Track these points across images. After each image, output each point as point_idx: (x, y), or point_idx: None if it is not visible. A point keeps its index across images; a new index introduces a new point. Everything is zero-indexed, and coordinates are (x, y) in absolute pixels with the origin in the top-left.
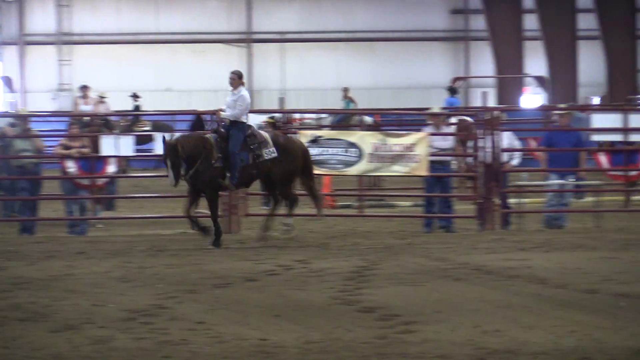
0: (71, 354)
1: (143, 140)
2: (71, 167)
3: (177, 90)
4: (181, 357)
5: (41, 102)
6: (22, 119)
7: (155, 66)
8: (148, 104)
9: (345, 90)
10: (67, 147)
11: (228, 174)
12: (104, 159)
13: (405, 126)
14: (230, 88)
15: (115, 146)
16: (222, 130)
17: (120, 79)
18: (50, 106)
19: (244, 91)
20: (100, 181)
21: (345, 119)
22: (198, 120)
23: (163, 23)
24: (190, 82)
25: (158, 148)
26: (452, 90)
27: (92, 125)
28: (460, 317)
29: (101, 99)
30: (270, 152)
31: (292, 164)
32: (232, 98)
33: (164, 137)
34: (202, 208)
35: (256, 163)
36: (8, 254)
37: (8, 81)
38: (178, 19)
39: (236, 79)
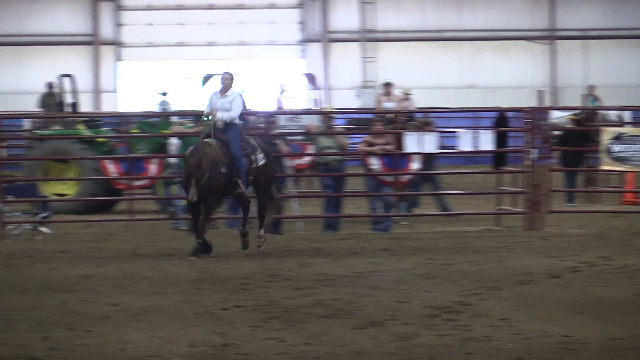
0: (375, 351)
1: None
2: (375, 164)
3: (481, 87)
4: (484, 354)
5: (345, 99)
6: (327, 116)
7: (458, 63)
8: (451, 101)
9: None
10: (371, 144)
11: (238, 180)
12: (407, 156)
13: None
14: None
15: (419, 143)
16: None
17: (423, 76)
18: (354, 103)
19: (237, 93)
20: (404, 178)
21: None
22: (501, 117)
23: (466, 20)
24: (493, 79)
25: (463, 145)
26: None
27: (395, 122)
28: None
29: (406, 96)
30: (261, 158)
31: (274, 171)
32: (226, 100)
33: (184, 155)
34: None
35: (249, 169)
36: (312, 250)
37: (312, 78)
38: (481, 16)
39: (230, 80)
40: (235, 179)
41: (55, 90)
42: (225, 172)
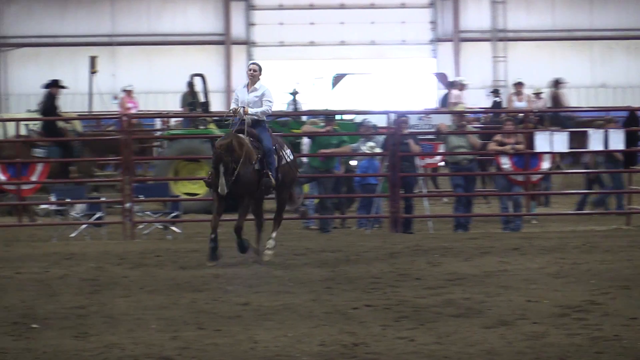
0: (504, 350)
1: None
2: (505, 163)
3: (612, 86)
4: (613, 353)
5: (476, 98)
6: (459, 115)
7: (589, 63)
8: (582, 101)
9: None
10: (501, 144)
11: (269, 172)
12: (538, 155)
13: None
14: (246, 81)
15: (550, 142)
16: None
17: (554, 75)
18: (485, 103)
19: (265, 86)
20: (535, 177)
21: None
22: (632, 116)
23: (597, 19)
24: (625, 79)
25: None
26: None
27: (526, 121)
28: None
29: (537, 96)
30: (288, 155)
31: (297, 171)
32: (255, 94)
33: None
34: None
35: (279, 165)
36: (442, 250)
37: (443, 77)
38: (612, 16)
39: (258, 72)
40: (265, 171)
41: (196, 89)
42: (258, 168)
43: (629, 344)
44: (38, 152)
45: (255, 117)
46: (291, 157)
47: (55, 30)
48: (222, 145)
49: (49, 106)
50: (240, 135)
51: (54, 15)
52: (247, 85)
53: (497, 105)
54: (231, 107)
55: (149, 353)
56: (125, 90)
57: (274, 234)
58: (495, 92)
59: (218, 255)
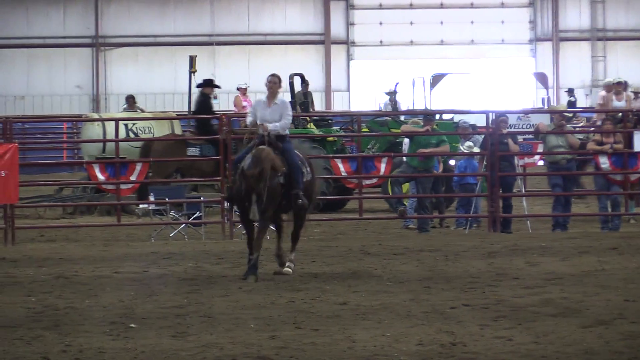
0: (602, 349)
1: None
2: (604, 163)
3: None
4: None
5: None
6: (558, 115)
7: None
8: None
9: None
10: (600, 143)
11: (299, 191)
12: (637, 155)
13: None
14: (265, 95)
15: None
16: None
17: None
18: (585, 102)
19: (284, 100)
20: (634, 177)
21: None
22: None
23: None
24: None
25: None
26: None
27: (625, 121)
28: None
29: (636, 95)
30: (308, 172)
31: (317, 189)
32: (275, 108)
33: (242, 168)
34: None
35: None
36: (540, 249)
37: (542, 77)
38: None
39: (278, 85)
40: (296, 191)
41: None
42: (282, 183)
43: None
44: (192, 150)
45: (276, 132)
46: (310, 175)
47: (155, 30)
48: (254, 175)
49: (203, 105)
50: (264, 147)
51: (153, 15)
52: (267, 98)
53: (571, 104)
54: (248, 120)
55: (247, 352)
56: (239, 89)
57: (292, 256)
58: (570, 92)
59: (249, 267)
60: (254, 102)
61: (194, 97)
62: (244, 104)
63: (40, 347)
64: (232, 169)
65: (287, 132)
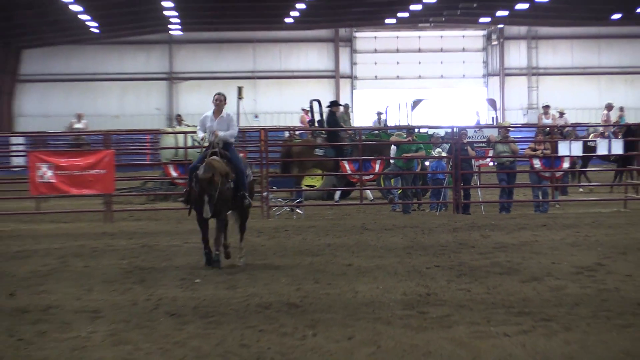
0: (536, 298)
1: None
2: (537, 164)
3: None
4: (614, 300)
5: (516, 117)
6: (503, 129)
7: (597, 91)
8: (593, 118)
9: None
10: (534, 150)
11: (245, 192)
12: (560, 158)
13: None
14: (212, 109)
15: (570, 149)
16: (223, 151)
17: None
18: (522, 120)
19: (230, 113)
20: (558, 174)
21: None
22: (628, 130)
23: (604, 59)
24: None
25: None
26: None
27: (552, 133)
28: None
29: (560, 115)
30: (250, 174)
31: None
32: (222, 120)
33: (194, 168)
34: None
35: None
36: (491, 226)
37: (492, 102)
38: (614, 57)
39: (223, 102)
40: (242, 192)
41: (340, 110)
42: (232, 187)
43: (626, 294)
44: (318, 152)
45: (225, 139)
46: (252, 176)
47: (212, 68)
48: (205, 179)
49: (331, 120)
50: (216, 158)
51: (211, 57)
52: (214, 112)
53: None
54: (199, 135)
55: (280, 300)
56: (303, 109)
57: (242, 243)
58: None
59: (214, 260)
60: (201, 117)
61: (325, 114)
62: (308, 120)
63: (130, 296)
64: (187, 176)
65: (233, 140)
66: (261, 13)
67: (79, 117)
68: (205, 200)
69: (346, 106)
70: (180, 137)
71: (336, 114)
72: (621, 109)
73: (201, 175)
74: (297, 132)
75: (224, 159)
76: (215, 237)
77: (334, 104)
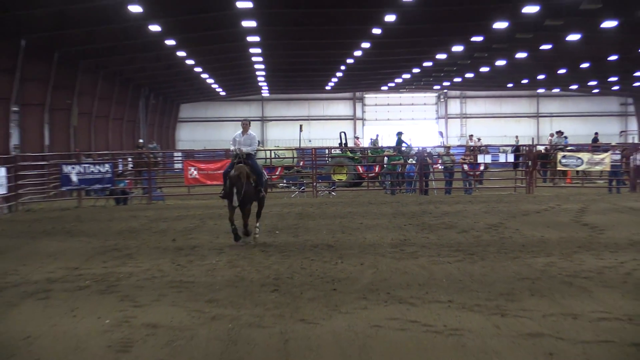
0: (466, 242)
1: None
2: (465, 167)
3: (521, 136)
4: (508, 244)
5: (454, 141)
6: (447, 148)
7: (503, 128)
8: (498, 142)
9: None
10: (464, 159)
11: (262, 188)
12: (478, 164)
13: None
14: (240, 130)
15: (484, 159)
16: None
17: (488, 132)
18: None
19: (253, 133)
20: (477, 173)
21: None
22: (517, 148)
23: (505, 108)
24: (526, 134)
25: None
26: None
27: (474, 150)
28: None
29: (479, 140)
30: (266, 175)
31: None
32: (247, 137)
33: (226, 172)
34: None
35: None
36: (439, 202)
37: (441, 133)
38: (517, 107)
39: (248, 125)
40: (259, 188)
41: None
42: (254, 185)
43: (514, 240)
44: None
45: (248, 153)
46: (267, 177)
47: (285, 114)
48: (234, 176)
49: (399, 143)
50: (242, 165)
51: (284, 108)
52: (242, 132)
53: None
54: (232, 149)
55: (322, 242)
56: (356, 136)
57: (258, 224)
58: (559, 133)
59: (239, 236)
60: (234, 135)
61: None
62: (359, 144)
63: (240, 241)
64: (223, 177)
65: (254, 153)
66: (312, 83)
67: (150, 141)
68: (234, 192)
69: (344, 134)
70: (267, 152)
71: (401, 139)
72: (559, 132)
73: (231, 174)
74: (332, 150)
75: (247, 165)
76: (243, 223)
77: (401, 132)
